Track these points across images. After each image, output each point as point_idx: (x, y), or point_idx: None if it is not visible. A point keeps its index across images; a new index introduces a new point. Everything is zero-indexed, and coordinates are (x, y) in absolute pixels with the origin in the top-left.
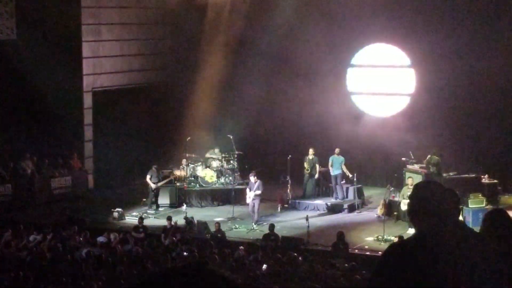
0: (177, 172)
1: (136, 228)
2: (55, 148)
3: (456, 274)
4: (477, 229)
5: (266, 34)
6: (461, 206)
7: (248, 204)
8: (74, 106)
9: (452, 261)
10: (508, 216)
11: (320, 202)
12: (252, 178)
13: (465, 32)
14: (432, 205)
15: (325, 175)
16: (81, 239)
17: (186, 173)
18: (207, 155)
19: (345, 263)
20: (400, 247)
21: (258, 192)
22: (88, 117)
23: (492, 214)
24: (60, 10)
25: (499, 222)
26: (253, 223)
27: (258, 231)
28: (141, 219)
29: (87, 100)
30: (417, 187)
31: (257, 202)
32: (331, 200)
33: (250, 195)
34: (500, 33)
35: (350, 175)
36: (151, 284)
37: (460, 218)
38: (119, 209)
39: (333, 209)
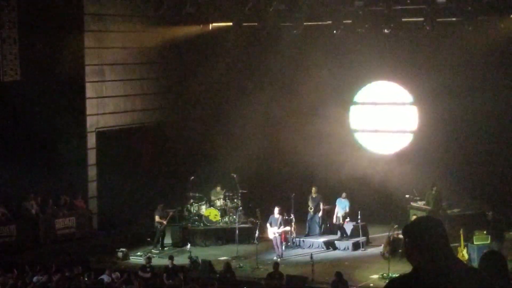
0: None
1: (143, 267)
2: (59, 188)
3: None
4: None
5: (269, 70)
6: (465, 243)
7: (271, 239)
8: (78, 146)
9: None
10: (503, 258)
11: (324, 240)
12: (277, 213)
13: (467, 69)
14: (429, 241)
15: (330, 212)
16: (86, 279)
17: (191, 212)
18: (212, 197)
19: None
20: (399, 283)
21: (283, 228)
22: (92, 157)
23: (487, 257)
24: (64, 51)
25: (494, 265)
26: (279, 257)
27: (263, 269)
28: (148, 258)
29: (91, 140)
30: (415, 222)
31: (280, 237)
32: (335, 238)
33: (273, 230)
34: (503, 70)
35: (347, 220)
36: None
37: (466, 255)
38: (123, 249)
39: (331, 246)
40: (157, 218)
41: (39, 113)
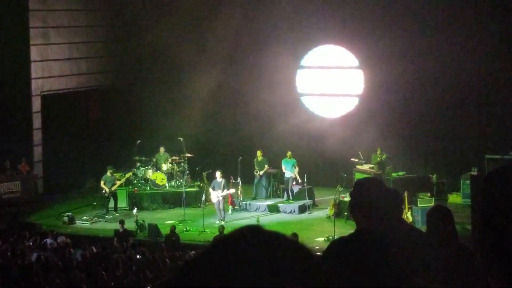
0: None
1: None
2: (4, 153)
3: (397, 272)
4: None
5: (215, 34)
6: (410, 206)
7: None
8: (23, 110)
9: (393, 259)
10: (449, 211)
11: (270, 203)
12: (219, 177)
13: (413, 33)
14: (371, 202)
15: (276, 176)
16: (31, 244)
17: (137, 176)
18: (157, 160)
19: None
20: (340, 244)
21: (227, 191)
22: (37, 121)
23: (435, 212)
24: (7, 14)
25: (442, 219)
26: (221, 220)
27: (209, 233)
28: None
29: (36, 104)
30: (357, 184)
31: (222, 200)
32: (281, 201)
33: (217, 194)
34: (448, 34)
35: (300, 180)
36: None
37: (410, 217)
38: (69, 213)
39: (277, 209)
40: (101, 183)
41: None
